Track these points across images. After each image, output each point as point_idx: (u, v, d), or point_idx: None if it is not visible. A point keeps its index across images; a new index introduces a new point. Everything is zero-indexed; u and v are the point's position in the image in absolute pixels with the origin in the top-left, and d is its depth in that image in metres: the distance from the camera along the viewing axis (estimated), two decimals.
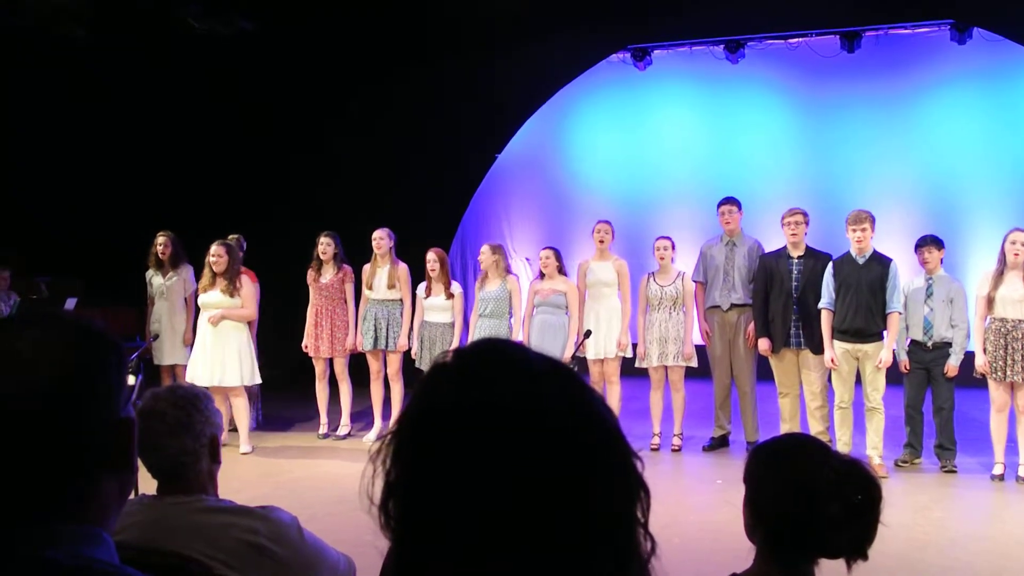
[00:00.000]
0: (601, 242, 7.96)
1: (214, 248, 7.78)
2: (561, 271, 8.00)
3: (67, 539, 1.10)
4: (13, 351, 1.12)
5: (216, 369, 7.69)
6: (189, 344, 8.30)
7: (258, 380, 7.96)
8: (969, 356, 7.06)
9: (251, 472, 7.28)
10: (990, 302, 6.75)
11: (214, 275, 7.79)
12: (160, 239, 8.47)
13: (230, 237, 8.39)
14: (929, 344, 7.06)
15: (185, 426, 2.34)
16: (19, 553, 1.07)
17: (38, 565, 1.07)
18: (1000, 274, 6.71)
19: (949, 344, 7.02)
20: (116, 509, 1.20)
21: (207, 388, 7.00)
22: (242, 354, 7.77)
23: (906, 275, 7.37)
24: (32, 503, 1.10)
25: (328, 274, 8.27)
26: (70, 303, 9.22)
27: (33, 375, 1.11)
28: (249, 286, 7.89)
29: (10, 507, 1.09)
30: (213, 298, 7.76)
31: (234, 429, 7.92)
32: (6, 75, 10.32)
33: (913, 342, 7.16)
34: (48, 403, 1.10)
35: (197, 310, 8.15)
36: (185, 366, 8.32)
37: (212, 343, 7.72)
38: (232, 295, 7.74)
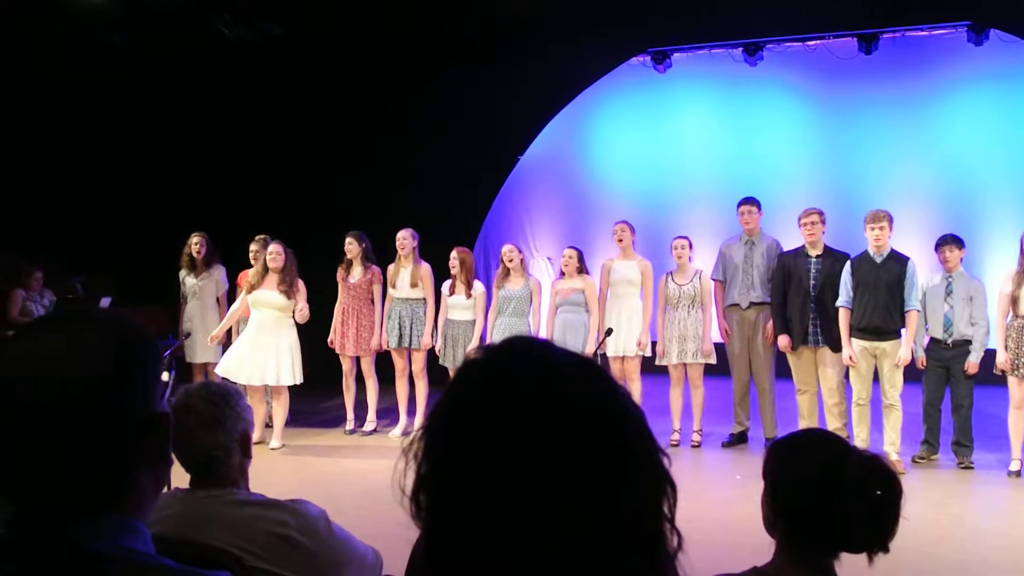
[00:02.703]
0: (620, 241, 8.05)
1: (272, 246, 7.86)
2: (581, 271, 8.12)
3: (109, 531, 1.15)
4: (55, 349, 1.15)
5: (270, 369, 7.77)
6: (220, 342, 8.46)
7: (301, 379, 8.02)
8: (988, 353, 7.12)
9: (280, 467, 7.40)
10: (1014, 300, 6.81)
11: (265, 272, 7.85)
12: (195, 239, 8.60)
13: (258, 237, 8.52)
14: (949, 342, 7.08)
15: (217, 421, 2.39)
16: (69, 544, 1.13)
17: (85, 556, 1.12)
18: (1022, 273, 6.79)
19: (969, 342, 7.03)
20: (151, 502, 1.25)
21: (240, 384, 7.19)
22: (293, 354, 7.90)
23: (924, 274, 7.40)
24: (77, 496, 1.14)
25: (356, 274, 8.40)
26: (104, 302, 9.35)
27: (75, 372, 1.13)
28: (304, 290, 7.96)
29: (61, 500, 1.14)
30: (269, 296, 7.82)
31: (268, 425, 8.08)
32: (43, 80, 10.52)
33: (932, 340, 7.18)
34: (90, 400, 1.13)
35: (229, 308, 8.28)
36: (216, 364, 8.49)
37: (265, 343, 7.79)
38: (289, 295, 7.82)
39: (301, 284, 7.99)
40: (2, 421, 1.13)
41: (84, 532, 1.13)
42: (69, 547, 1.12)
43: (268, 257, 7.86)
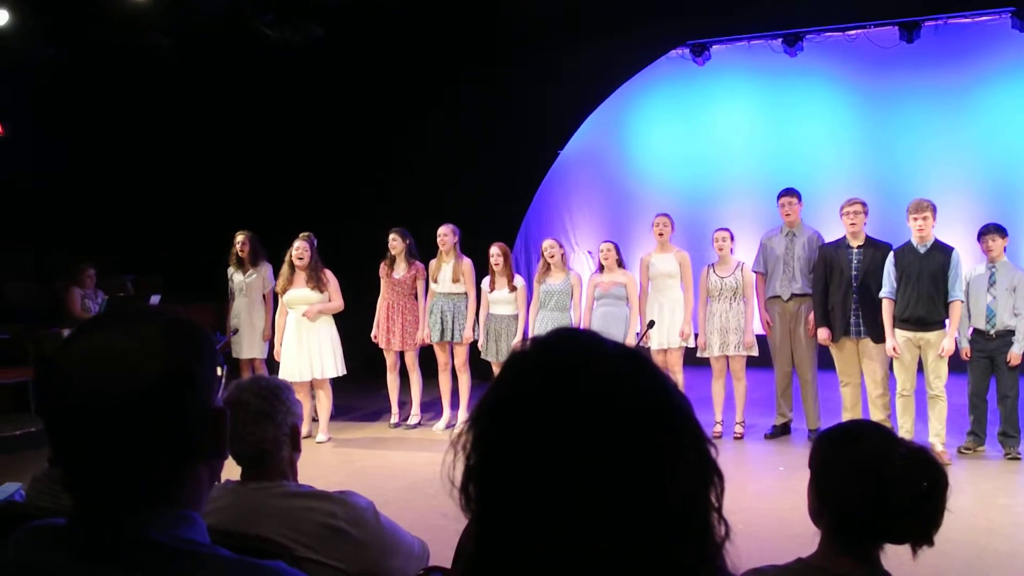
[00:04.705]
0: (661, 235, 8.07)
1: (297, 243, 8.04)
2: (620, 264, 8.16)
3: (167, 521, 1.18)
4: (120, 346, 1.17)
5: (315, 363, 7.95)
6: (267, 339, 8.60)
7: (344, 371, 8.18)
8: None
9: (327, 460, 7.55)
10: None
11: (292, 271, 8.02)
12: (239, 238, 8.72)
13: (302, 235, 8.65)
14: (992, 332, 7.03)
15: (268, 415, 2.43)
16: (128, 534, 1.16)
17: (144, 545, 1.15)
18: None
19: (1012, 332, 6.97)
20: (207, 494, 1.29)
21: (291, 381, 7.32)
22: (334, 345, 8.06)
23: (968, 264, 7.32)
24: (139, 488, 1.18)
25: (400, 270, 8.49)
26: (154, 299, 9.53)
27: (140, 369, 1.16)
28: (334, 279, 8.14)
29: (122, 492, 1.17)
30: (301, 294, 8.00)
31: (315, 419, 8.21)
32: (92, 83, 10.74)
33: (976, 331, 7.12)
34: (154, 395, 1.16)
35: (275, 306, 8.43)
36: (263, 360, 8.63)
37: (306, 338, 7.96)
38: (320, 290, 8.00)
39: (330, 275, 8.14)
40: (69, 414, 1.16)
41: (143, 522, 1.16)
42: (128, 537, 1.16)
43: (293, 256, 8.02)
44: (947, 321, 6.96)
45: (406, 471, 7.02)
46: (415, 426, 8.64)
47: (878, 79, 10.75)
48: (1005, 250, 7.17)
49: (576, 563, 0.96)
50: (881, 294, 7.11)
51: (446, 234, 8.41)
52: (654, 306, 7.96)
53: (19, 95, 10.25)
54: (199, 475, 1.25)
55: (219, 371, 1.28)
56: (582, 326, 8.01)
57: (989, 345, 7.06)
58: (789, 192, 7.95)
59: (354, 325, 8.50)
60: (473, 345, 8.46)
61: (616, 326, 7.88)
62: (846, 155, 11.01)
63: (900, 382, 7.07)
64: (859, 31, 10.41)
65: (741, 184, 11.32)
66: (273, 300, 8.56)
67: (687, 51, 11.07)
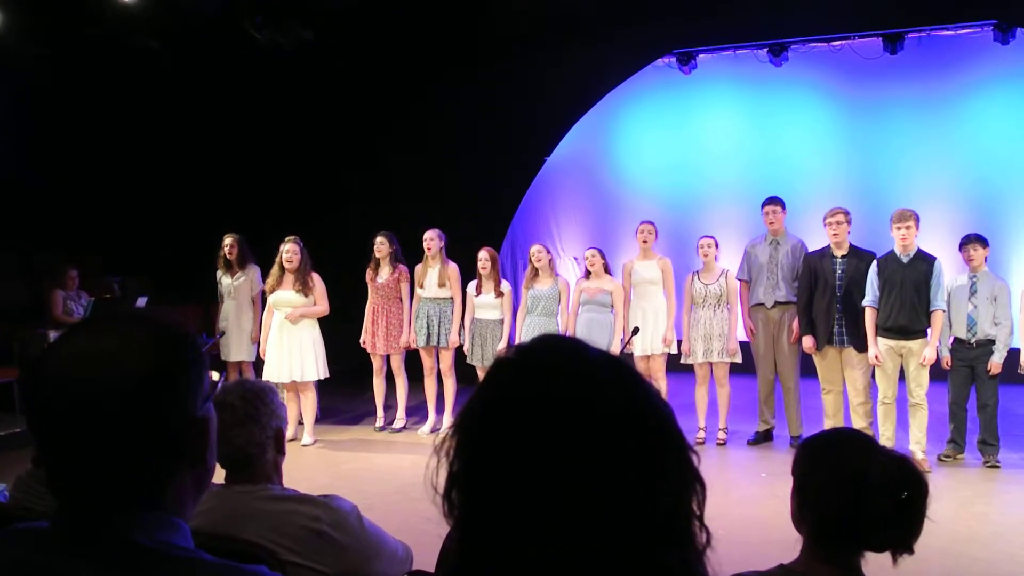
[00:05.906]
0: (644, 242, 8.10)
1: (288, 246, 8.04)
2: (606, 270, 8.20)
3: (151, 526, 1.18)
4: (100, 350, 1.17)
5: (295, 365, 7.95)
6: (255, 341, 8.59)
7: (326, 374, 8.18)
8: (1013, 353, 7.12)
9: (313, 463, 7.54)
10: None
11: (282, 272, 8.04)
12: (227, 241, 8.68)
13: (288, 238, 8.65)
14: (973, 341, 7.07)
15: (252, 418, 2.44)
16: (111, 537, 1.17)
17: (127, 548, 1.16)
18: None
19: (993, 341, 7.02)
20: (192, 501, 1.28)
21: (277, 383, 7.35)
22: (316, 349, 8.06)
23: (950, 273, 7.37)
24: (122, 492, 1.18)
25: (384, 274, 8.50)
26: (141, 301, 9.48)
27: (123, 372, 1.16)
28: (321, 283, 8.15)
29: (104, 494, 1.17)
30: (286, 296, 8.02)
31: (301, 422, 8.21)
32: (80, 83, 10.71)
33: (957, 339, 7.17)
34: (133, 400, 1.15)
35: (264, 306, 8.43)
36: (251, 362, 8.62)
37: (288, 341, 7.97)
38: (306, 293, 8.01)
39: (317, 278, 8.15)
40: (54, 416, 1.17)
41: (125, 525, 1.17)
42: (111, 539, 1.16)
43: (284, 258, 8.03)
44: (929, 330, 7.00)
45: (391, 475, 7.03)
46: (400, 430, 8.65)
47: (862, 89, 10.82)
48: (986, 260, 7.22)
49: (567, 563, 0.97)
50: (864, 303, 7.15)
51: (432, 239, 8.43)
52: (637, 312, 8.00)
53: (6, 94, 10.22)
54: (182, 482, 1.25)
55: (214, 376, 1.30)
56: (568, 332, 8.07)
57: (970, 354, 7.11)
58: (773, 200, 8.01)
59: (340, 329, 8.49)
60: (459, 349, 8.48)
61: (600, 332, 7.91)
62: (830, 164, 11.08)
63: (882, 390, 7.12)
64: (843, 42, 10.46)
65: (726, 192, 11.36)
66: (262, 301, 8.56)
67: (673, 60, 11.10)
